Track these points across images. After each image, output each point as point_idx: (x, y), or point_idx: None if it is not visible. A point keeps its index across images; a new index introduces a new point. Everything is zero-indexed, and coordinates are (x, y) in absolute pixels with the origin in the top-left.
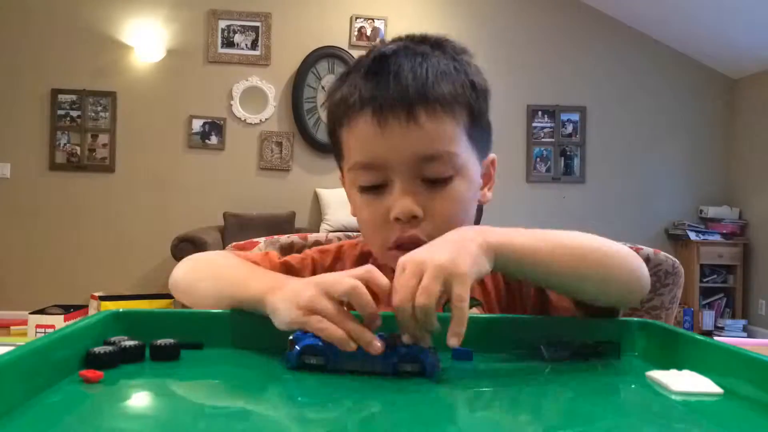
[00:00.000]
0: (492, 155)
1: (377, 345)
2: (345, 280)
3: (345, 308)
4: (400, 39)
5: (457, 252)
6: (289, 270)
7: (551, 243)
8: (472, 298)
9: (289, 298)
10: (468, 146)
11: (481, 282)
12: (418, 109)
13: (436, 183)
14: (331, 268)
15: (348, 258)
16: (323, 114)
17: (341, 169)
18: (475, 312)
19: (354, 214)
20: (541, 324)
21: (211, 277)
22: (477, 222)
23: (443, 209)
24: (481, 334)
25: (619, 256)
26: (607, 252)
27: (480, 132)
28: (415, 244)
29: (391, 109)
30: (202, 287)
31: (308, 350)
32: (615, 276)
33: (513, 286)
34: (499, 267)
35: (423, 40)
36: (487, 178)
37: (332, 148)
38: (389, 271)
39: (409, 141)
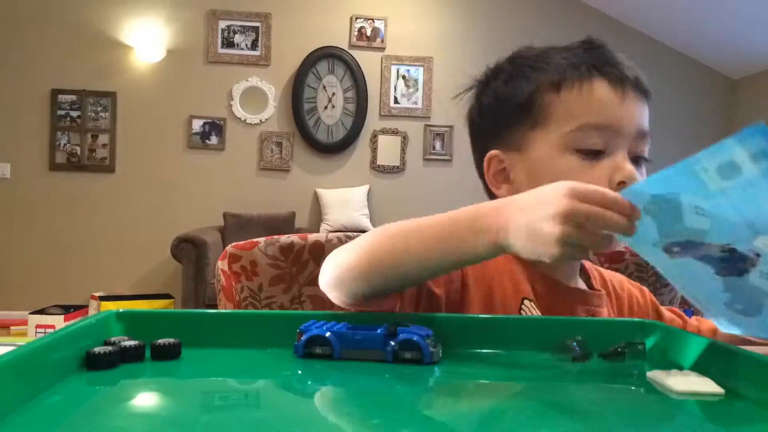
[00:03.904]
0: None
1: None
2: (599, 188)
3: None
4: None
5: None
6: None
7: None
8: None
9: (534, 213)
10: None
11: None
12: (641, 86)
13: (636, 161)
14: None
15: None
16: (324, 115)
17: (515, 131)
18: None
19: (534, 180)
20: (545, 324)
21: (405, 240)
22: None
23: None
24: (485, 333)
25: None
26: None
27: None
28: None
29: (628, 81)
30: (402, 256)
31: (314, 341)
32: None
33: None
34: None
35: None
36: None
37: (517, 112)
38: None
39: (639, 114)
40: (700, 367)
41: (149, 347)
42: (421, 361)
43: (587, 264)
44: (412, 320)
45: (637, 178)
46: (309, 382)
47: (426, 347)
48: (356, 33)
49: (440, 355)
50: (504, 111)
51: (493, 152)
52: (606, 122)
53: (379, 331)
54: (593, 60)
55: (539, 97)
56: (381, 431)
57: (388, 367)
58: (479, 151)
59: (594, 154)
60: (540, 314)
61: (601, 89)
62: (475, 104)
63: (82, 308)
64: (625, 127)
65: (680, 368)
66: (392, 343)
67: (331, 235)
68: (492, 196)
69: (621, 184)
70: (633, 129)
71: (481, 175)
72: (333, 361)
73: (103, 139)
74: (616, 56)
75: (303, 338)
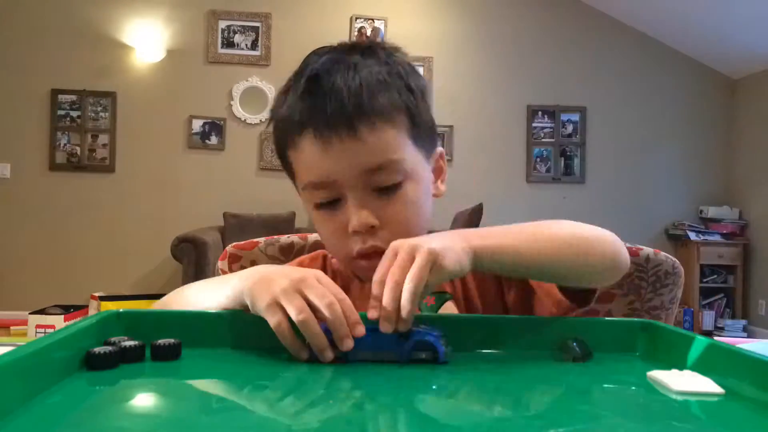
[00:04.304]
0: (439, 149)
1: (329, 355)
2: (326, 292)
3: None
4: (332, 48)
5: (445, 247)
6: None
7: (530, 237)
8: (443, 293)
9: (262, 284)
10: (413, 149)
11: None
12: (357, 123)
13: (387, 190)
14: None
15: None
16: None
17: (297, 187)
18: (450, 305)
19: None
20: (544, 324)
21: (191, 292)
22: (477, 221)
23: (398, 215)
24: (486, 333)
25: (597, 240)
26: (585, 237)
27: (424, 131)
28: (377, 253)
29: (331, 127)
30: (183, 302)
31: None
32: (595, 260)
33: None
34: (481, 268)
35: (353, 47)
36: (438, 171)
37: (284, 169)
38: (354, 279)
39: (353, 156)
40: (700, 367)
41: (149, 347)
42: (435, 360)
43: None
44: (418, 321)
45: (367, 222)
46: (309, 383)
47: (440, 347)
48: (356, 33)
49: (451, 354)
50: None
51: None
52: (318, 179)
53: (395, 332)
54: (304, 106)
55: (285, 152)
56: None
57: (398, 367)
58: None
59: (330, 204)
60: None
61: (308, 145)
62: None
63: (82, 308)
64: (338, 177)
65: (680, 368)
66: (406, 344)
67: None
68: None
69: (356, 233)
70: (352, 173)
71: None
72: (338, 363)
73: (103, 139)
74: (335, 85)
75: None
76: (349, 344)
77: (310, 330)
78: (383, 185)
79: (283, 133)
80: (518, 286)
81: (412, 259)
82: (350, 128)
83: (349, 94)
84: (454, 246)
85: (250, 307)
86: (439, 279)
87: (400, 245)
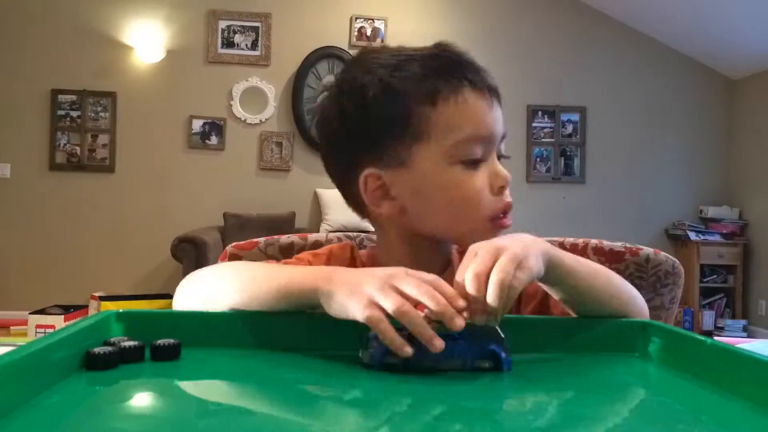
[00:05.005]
0: None
1: (439, 343)
2: (421, 282)
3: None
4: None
5: (528, 249)
6: None
7: (588, 268)
8: None
9: (348, 286)
10: None
11: None
12: (498, 92)
13: (501, 159)
14: None
15: (339, 261)
16: None
17: (393, 147)
18: None
19: (415, 193)
20: (542, 324)
21: (235, 278)
22: None
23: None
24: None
25: (631, 290)
26: (629, 290)
27: None
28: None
29: (487, 89)
30: (226, 288)
31: (391, 350)
32: (629, 307)
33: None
34: (545, 278)
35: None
36: None
37: (393, 128)
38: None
39: (501, 119)
40: (700, 367)
41: (149, 347)
42: (498, 369)
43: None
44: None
45: (510, 179)
46: (309, 383)
47: (504, 356)
48: (356, 33)
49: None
50: (376, 126)
51: (368, 171)
52: (484, 132)
53: (459, 340)
54: (458, 68)
55: (415, 111)
56: None
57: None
58: (344, 165)
59: (474, 163)
60: None
61: (473, 99)
62: (330, 116)
63: (82, 308)
64: (496, 134)
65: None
66: (468, 353)
67: (331, 235)
68: (359, 208)
69: (501, 189)
70: (500, 132)
71: (346, 191)
72: (335, 362)
73: (103, 139)
74: (474, 61)
75: (378, 345)
76: (460, 323)
77: (414, 320)
78: (501, 153)
79: (422, 89)
80: (540, 302)
81: (494, 259)
82: (496, 92)
83: (484, 70)
84: (534, 250)
85: (330, 308)
86: (526, 278)
87: (479, 246)
